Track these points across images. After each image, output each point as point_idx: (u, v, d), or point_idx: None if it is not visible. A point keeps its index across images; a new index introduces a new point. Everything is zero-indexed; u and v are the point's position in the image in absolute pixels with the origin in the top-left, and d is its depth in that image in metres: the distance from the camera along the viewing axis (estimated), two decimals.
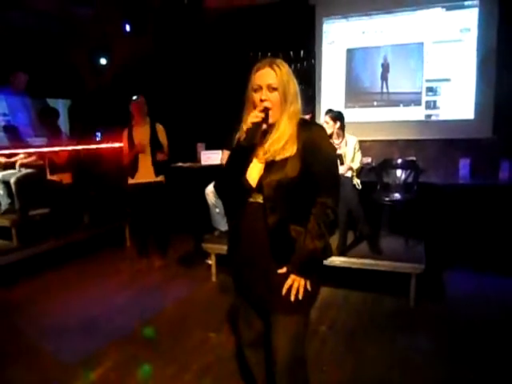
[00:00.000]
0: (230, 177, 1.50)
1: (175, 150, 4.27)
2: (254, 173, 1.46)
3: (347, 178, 3.52)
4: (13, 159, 4.34)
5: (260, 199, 1.44)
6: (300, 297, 1.43)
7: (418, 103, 5.03)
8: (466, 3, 4.73)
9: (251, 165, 1.47)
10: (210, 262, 3.88)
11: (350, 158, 3.63)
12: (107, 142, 4.74)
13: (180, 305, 3.34)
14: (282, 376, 1.50)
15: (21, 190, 4.15)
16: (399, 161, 4.07)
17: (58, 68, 5.46)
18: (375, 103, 5.22)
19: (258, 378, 1.75)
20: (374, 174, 4.15)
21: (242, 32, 5.54)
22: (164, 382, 2.32)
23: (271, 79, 1.41)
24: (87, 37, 5.49)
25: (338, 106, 4.99)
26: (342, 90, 5.37)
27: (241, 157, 1.47)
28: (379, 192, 4.04)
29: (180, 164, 4.63)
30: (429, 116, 5.02)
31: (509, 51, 4.49)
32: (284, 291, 1.43)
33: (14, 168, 4.36)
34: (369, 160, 4.67)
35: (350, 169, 3.59)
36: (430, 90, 4.97)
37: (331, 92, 5.40)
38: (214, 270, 3.80)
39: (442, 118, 4.96)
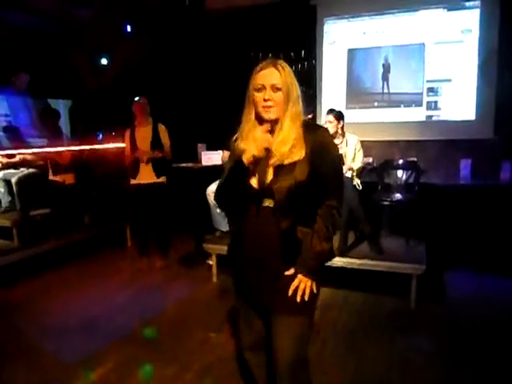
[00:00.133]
0: (231, 188, 1.50)
1: (175, 151, 4.27)
2: (262, 177, 1.45)
3: (347, 178, 3.51)
4: (13, 160, 4.34)
5: (269, 203, 1.44)
6: (306, 298, 1.43)
7: (419, 104, 5.02)
8: (467, 4, 4.73)
9: (258, 168, 1.46)
10: (210, 262, 3.88)
11: (351, 158, 3.62)
12: (109, 143, 4.75)
13: (181, 305, 3.34)
14: (285, 377, 1.49)
15: (22, 190, 4.16)
16: (400, 161, 4.08)
17: (59, 69, 5.47)
18: (376, 104, 5.22)
19: (259, 380, 1.74)
20: (375, 174, 4.16)
21: (243, 32, 5.54)
22: (164, 382, 2.32)
23: (275, 79, 1.41)
24: (88, 38, 5.51)
25: (339, 106, 4.97)
26: (342, 90, 5.37)
27: (242, 173, 1.46)
28: (380, 192, 4.04)
29: (184, 164, 4.63)
30: (430, 117, 5.02)
31: (510, 52, 4.49)
32: (290, 292, 1.43)
33: (15, 168, 4.36)
34: (370, 160, 4.65)
35: (351, 169, 3.59)
36: (431, 90, 4.96)
37: (332, 92, 5.40)
38: (214, 270, 3.80)
39: (443, 118, 4.96)
